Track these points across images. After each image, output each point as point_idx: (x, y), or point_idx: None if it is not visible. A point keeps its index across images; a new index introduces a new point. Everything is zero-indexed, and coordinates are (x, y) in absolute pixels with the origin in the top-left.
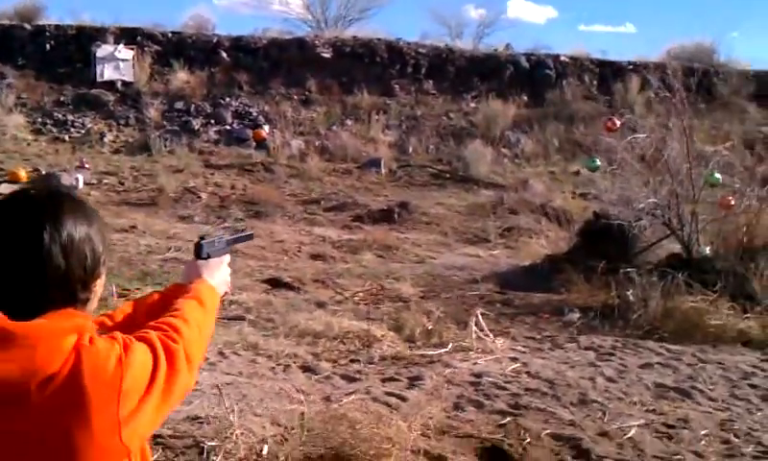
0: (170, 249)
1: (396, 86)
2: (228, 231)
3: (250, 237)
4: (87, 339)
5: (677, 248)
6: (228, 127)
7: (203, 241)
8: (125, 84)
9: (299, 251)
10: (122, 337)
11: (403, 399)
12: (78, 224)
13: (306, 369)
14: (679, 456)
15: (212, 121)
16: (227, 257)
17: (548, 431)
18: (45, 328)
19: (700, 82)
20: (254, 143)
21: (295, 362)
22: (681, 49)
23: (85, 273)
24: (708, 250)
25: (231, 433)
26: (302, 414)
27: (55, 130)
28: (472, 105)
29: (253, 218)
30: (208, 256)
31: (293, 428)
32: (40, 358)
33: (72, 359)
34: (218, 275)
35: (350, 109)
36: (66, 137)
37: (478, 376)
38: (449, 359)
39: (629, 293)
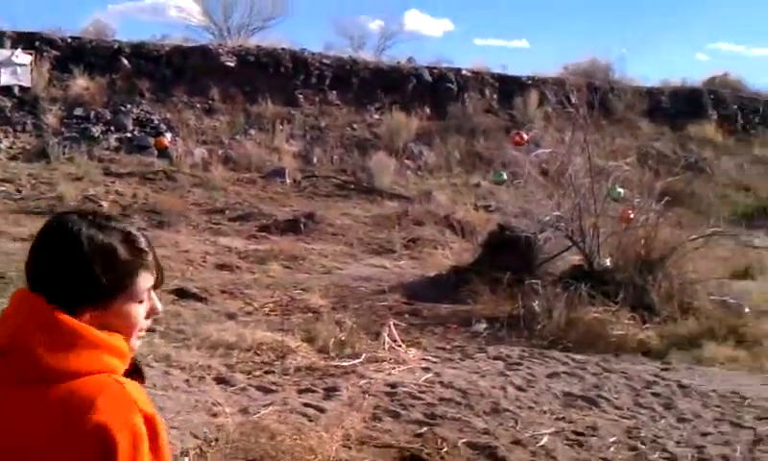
0: None
1: (301, 97)
2: None
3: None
4: None
5: (577, 259)
6: (128, 134)
7: None
8: (22, 89)
9: (204, 261)
10: None
11: (321, 409)
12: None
13: (221, 381)
14: None
15: (113, 128)
16: None
17: (464, 440)
18: None
19: (595, 98)
20: (156, 151)
21: (209, 374)
22: (577, 65)
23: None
24: (608, 262)
25: None
26: (222, 426)
27: None
28: (376, 116)
29: (157, 227)
30: None
31: (212, 441)
32: None
33: None
34: None
35: (254, 118)
36: None
37: (393, 386)
38: (363, 370)
39: (534, 304)
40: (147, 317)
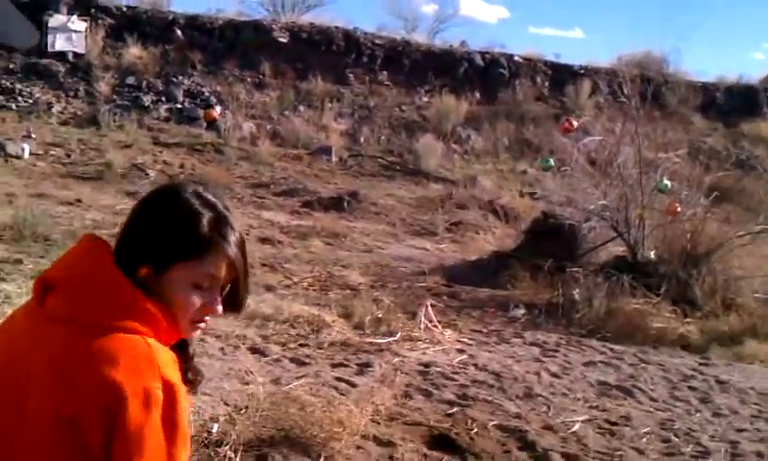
0: (116, 225)
1: (351, 75)
2: None
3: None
4: None
5: (620, 250)
6: (179, 105)
7: None
8: (76, 55)
9: (247, 234)
10: None
11: (353, 384)
12: None
13: (255, 351)
14: (620, 452)
15: (163, 99)
16: None
17: (495, 422)
18: None
19: (648, 90)
20: (205, 123)
21: (244, 344)
22: (631, 56)
23: None
24: (652, 254)
25: None
26: (253, 395)
27: (2, 98)
28: (425, 99)
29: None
30: None
31: (243, 409)
32: None
33: None
34: None
35: (304, 95)
36: (14, 106)
37: (426, 365)
38: (398, 348)
39: (574, 292)
40: (205, 312)
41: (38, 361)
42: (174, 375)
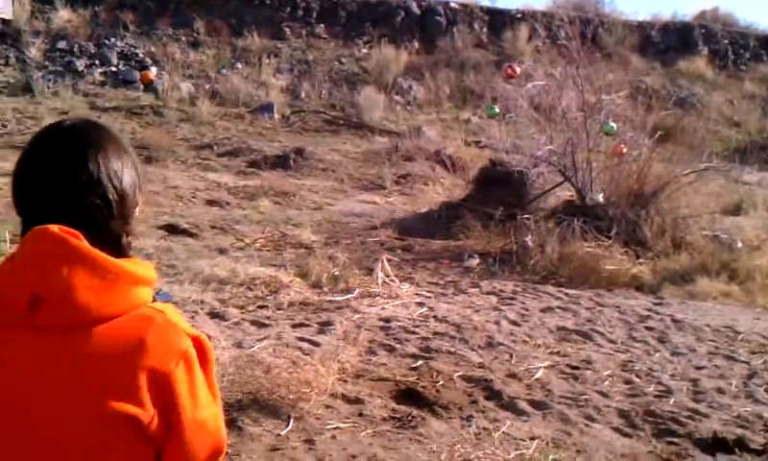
0: None
1: (287, 30)
2: None
3: (167, 298)
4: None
5: (569, 194)
6: (113, 68)
7: None
8: (4, 22)
9: (194, 197)
10: None
11: (316, 344)
12: (120, 154)
13: (215, 315)
14: (585, 396)
15: (97, 62)
16: None
17: (459, 373)
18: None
19: (588, 32)
20: (142, 86)
21: (202, 309)
22: None
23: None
24: (600, 197)
25: None
26: (216, 360)
27: None
28: (364, 50)
29: (145, 163)
30: None
31: None
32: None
33: None
34: None
35: (240, 51)
36: None
37: (387, 320)
38: (357, 305)
39: (527, 239)
40: None
41: (57, 376)
42: (190, 328)
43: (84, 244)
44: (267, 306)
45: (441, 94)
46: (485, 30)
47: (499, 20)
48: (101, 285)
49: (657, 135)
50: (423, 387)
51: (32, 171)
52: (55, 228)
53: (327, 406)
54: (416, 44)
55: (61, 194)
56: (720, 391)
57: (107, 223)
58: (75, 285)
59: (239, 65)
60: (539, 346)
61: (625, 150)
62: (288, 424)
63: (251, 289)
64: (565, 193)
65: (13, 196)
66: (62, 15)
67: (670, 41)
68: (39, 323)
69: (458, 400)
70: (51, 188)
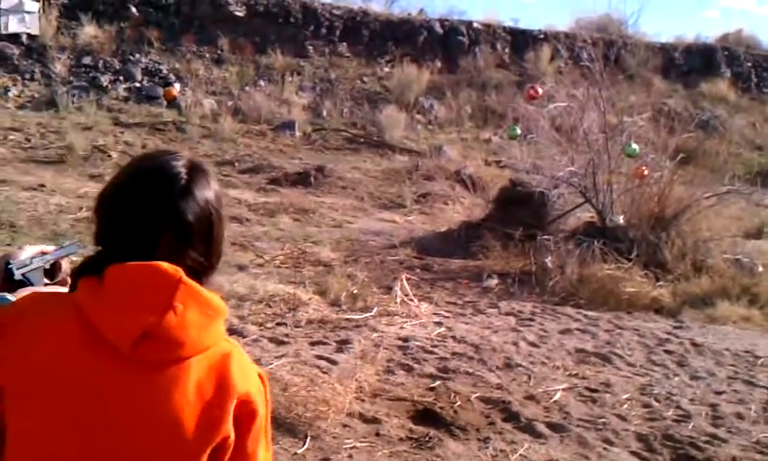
0: (81, 208)
1: (311, 48)
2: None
3: (73, 250)
4: None
5: (590, 216)
6: (137, 84)
7: (11, 265)
8: (30, 37)
9: None
10: None
11: (334, 362)
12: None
13: (233, 332)
14: (603, 419)
15: (121, 78)
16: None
17: (477, 394)
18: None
19: (610, 53)
20: (165, 102)
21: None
22: (589, 20)
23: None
24: (621, 219)
25: None
26: None
27: None
28: (386, 69)
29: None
30: (27, 281)
31: None
32: None
33: None
34: None
35: (264, 69)
36: None
37: (405, 340)
38: (375, 323)
39: (546, 260)
40: None
41: (152, 408)
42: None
43: (194, 283)
44: (285, 324)
45: (462, 114)
46: (507, 50)
47: (522, 41)
48: (205, 322)
49: (678, 158)
50: (441, 408)
51: (127, 201)
52: (166, 265)
53: (344, 425)
54: (438, 63)
55: (152, 227)
56: (739, 416)
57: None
58: (188, 324)
59: (262, 83)
60: (557, 368)
61: (646, 172)
62: (305, 443)
63: (269, 306)
64: (586, 214)
65: (101, 222)
66: (88, 31)
67: (693, 64)
68: (140, 358)
69: (475, 421)
70: (146, 221)
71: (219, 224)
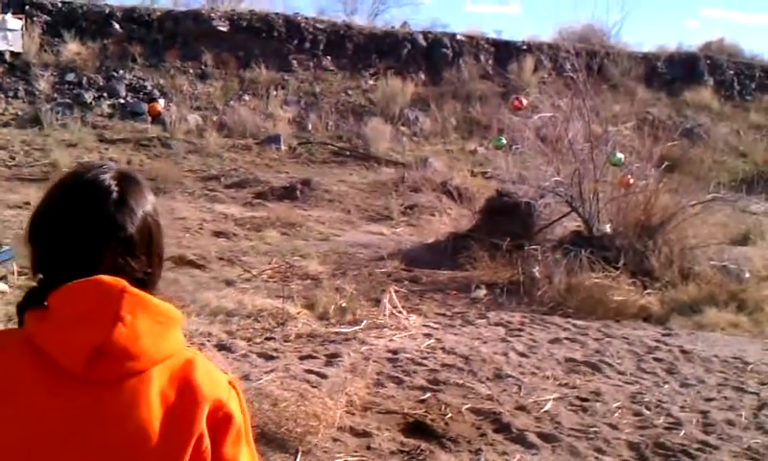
0: None
1: (295, 62)
2: None
3: (9, 257)
4: None
5: (576, 225)
6: (121, 100)
7: None
8: (13, 54)
9: (201, 228)
10: None
11: (323, 376)
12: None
13: (222, 347)
14: (595, 428)
15: (105, 94)
16: None
17: (468, 406)
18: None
19: (594, 63)
20: (150, 118)
21: (209, 341)
22: (572, 31)
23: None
24: (608, 227)
25: None
26: None
27: None
28: (371, 82)
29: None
30: None
31: None
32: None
33: None
34: None
35: (248, 83)
36: None
37: (395, 352)
38: (364, 336)
39: (534, 269)
40: None
41: (127, 428)
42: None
43: (141, 292)
44: (274, 338)
45: (447, 125)
46: (491, 61)
47: (505, 52)
48: (158, 330)
49: (663, 166)
50: (432, 420)
51: (61, 222)
52: (107, 277)
53: (335, 440)
54: (422, 76)
55: (92, 243)
56: (730, 423)
57: (131, 265)
58: (139, 333)
59: (246, 97)
60: (547, 378)
61: (632, 180)
62: (296, 458)
63: (258, 321)
64: (572, 224)
65: (38, 248)
66: (71, 48)
67: (676, 72)
68: (97, 377)
69: (467, 432)
70: (85, 239)
71: (158, 230)
